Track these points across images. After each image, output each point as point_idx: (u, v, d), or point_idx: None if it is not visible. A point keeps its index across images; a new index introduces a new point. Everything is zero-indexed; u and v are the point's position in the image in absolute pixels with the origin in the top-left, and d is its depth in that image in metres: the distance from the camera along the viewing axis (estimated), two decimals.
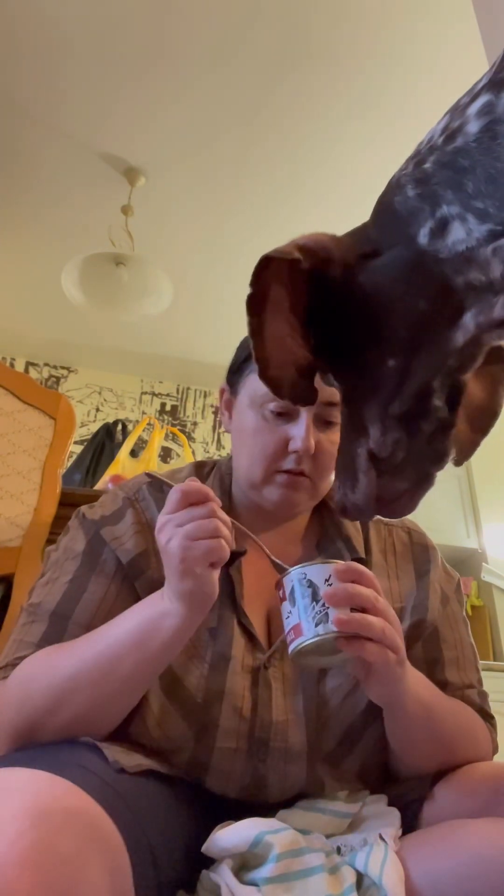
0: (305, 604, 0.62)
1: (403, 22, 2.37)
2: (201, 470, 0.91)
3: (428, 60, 2.48)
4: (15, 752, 0.65)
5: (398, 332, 0.53)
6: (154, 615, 0.66)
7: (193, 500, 0.65)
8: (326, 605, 0.61)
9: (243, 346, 0.88)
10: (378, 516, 0.60)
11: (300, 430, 0.78)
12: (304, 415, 0.79)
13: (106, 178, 3.07)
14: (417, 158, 0.49)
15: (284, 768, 0.71)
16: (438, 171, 0.47)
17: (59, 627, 0.72)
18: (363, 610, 0.62)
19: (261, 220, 3.21)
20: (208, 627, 0.75)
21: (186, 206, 3.22)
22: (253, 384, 0.83)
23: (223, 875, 0.57)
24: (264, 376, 0.56)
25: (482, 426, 0.67)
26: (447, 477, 4.21)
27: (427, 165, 0.48)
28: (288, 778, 0.71)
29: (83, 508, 0.84)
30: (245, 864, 0.59)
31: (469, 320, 0.49)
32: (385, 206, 0.53)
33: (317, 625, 0.61)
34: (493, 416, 0.66)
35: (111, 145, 2.93)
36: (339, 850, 0.62)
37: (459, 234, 0.46)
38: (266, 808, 0.71)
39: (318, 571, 0.64)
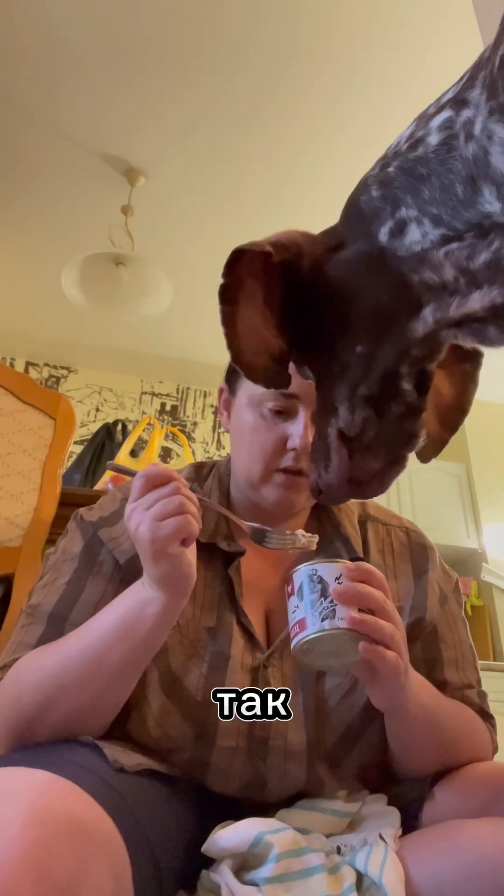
0: (313, 599, 0.63)
1: (403, 22, 2.37)
2: (200, 471, 0.91)
3: (426, 60, 2.47)
4: (14, 752, 0.66)
5: (363, 321, 0.56)
6: (136, 605, 0.66)
7: (157, 482, 0.65)
8: (335, 602, 0.62)
9: None
10: (353, 499, 0.63)
11: (298, 428, 0.79)
12: (302, 413, 0.80)
13: (106, 178, 3.07)
14: (384, 161, 0.53)
15: (284, 767, 0.71)
16: (400, 175, 0.51)
17: (57, 628, 0.73)
18: (371, 611, 0.62)
19: (261, 220, 3.21)
20: (207, 627, 0.75)
21: (186, 206, 3.22)
22: (251, 384, 0.83)
23: (223, 875, 0.57)
24: (238, 362, 0.59)
25: (451, 423, 0.69)
26: (447, 477, 4.21)
27: (391, 169, 0.51)
28: (288, 776, 0.71)
29: (81, 511, 0.85)
30: (245, 863, 0.59)
31: (428, 315, 0.52)
32: (352, 204, 0.56)
33: (322, 619, 0.61)
34: (462, 414, 0.69)
35: (111, 145, 2.93)
36: (339, 850, 0.62)
37: (416, 236, 0.50)
38: (266, 808, 0.71)
39: (328, 569, 0.64)
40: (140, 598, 0.66)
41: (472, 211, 0.46)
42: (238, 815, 0.63)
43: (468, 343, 0.53)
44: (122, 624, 0.66)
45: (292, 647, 0.63)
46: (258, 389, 0.82)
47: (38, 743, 0.65)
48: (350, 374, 0.57)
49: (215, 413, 4.53)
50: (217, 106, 2.72)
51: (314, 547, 0.73)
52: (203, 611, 0.76)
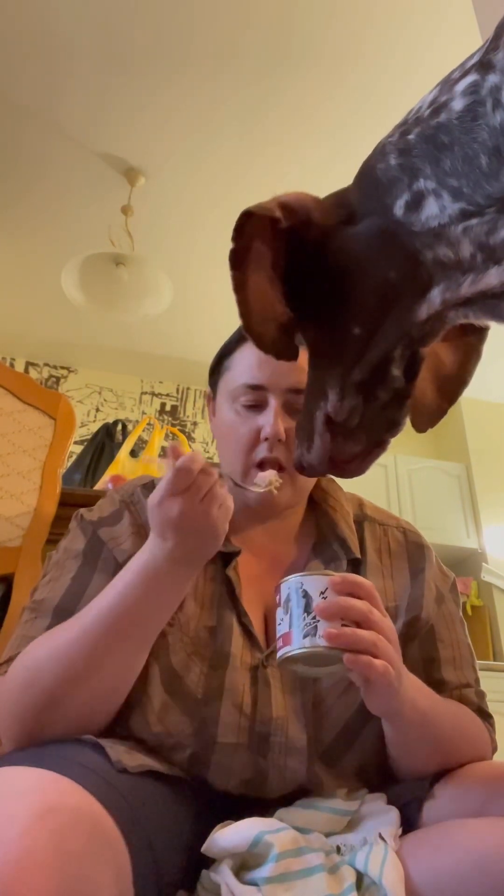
0: (298, 613, 0.62)
1: (402, 20, 2.37)
2: None
3: (426, 59, 2.47)
4: (18, 750, 0.66)
5: (366, 301, 0.54)
6: (147, 558, 0.68)
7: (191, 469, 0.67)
8: (317, 618, 0.61)
9: (222, 347, 0.91)
10: (332, 476, 0.64)
11: (268, 418, 0.80)
12: (273, 403, 0.81)
13: (106, 178, 3.07)
14: (404, 128, 0.50)
15: (285, 763, 0.71)
16: (420, 143, 0.48)
17: (63, 621, 0.73)
18: (357, 623, 0.62)
19: None
20: (207, 626, 0.75)
21: (186, 206, 3.22)
22: (227, 381, 0.87)
23: (223, 875, 0.57)
24: (249, 331, 0.58)
25: (450, 394, 0.68)
26: (447, 477, 4.21)
27: (411, 136, 0.49)
28: (288, 772, 0.72)
29: (82, 511, 0.85)
30: (245, 863, 0.59)
31: (436, 295, 0.50)
32: (368, 172, 0.53)
33: (304, 636, 0.61)
34: (461, 385, 0.68)
35: (111, 145, 2.93)
36: (338, 850, 0.62)
37: (433, 210, 0.47)
38: (265, 807, 0.71)
39: (314, 582, 0.64)
40: (150, 551, 0.68)
41: (496, 185, 0.43)
42: (238, 816, 0.63)
43: (479, 320, 0.52)
44: (141, 572, 0.68)
45: (277, 659, 0.64)
46: (232, 384, 0.84)
47: (47, 737, 0.65)
48: (345, 357, 0.56)
49: None
50: (217, 106, 2.72)
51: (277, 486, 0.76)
52: (203, 610, 0.77)
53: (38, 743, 0.65)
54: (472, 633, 0.88)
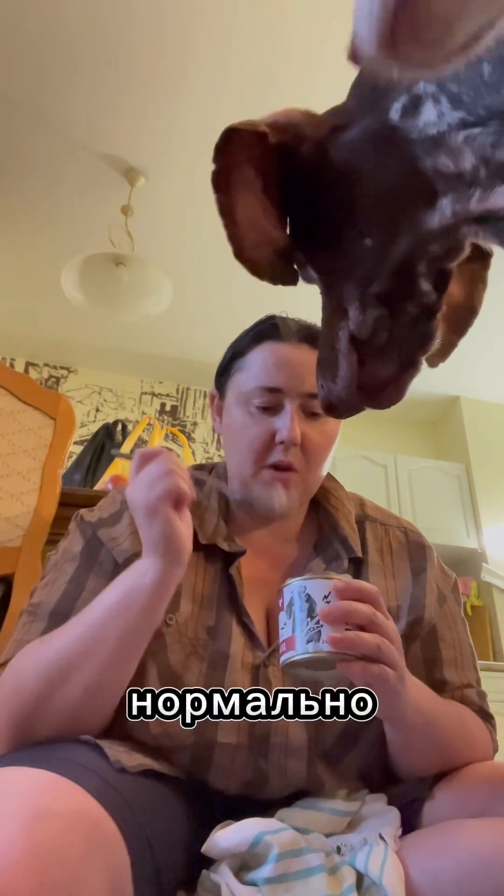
0: (301, 618, 0.62)
1: None
2: (199, 472, 0.92)
3: None
4: (15, 750, 0.66)
5: (371, 209, 0.51)
6: (133, 577, 0.68)
7: (149, 457, 0.70)
8: (321, 623, 0.61)
9: (229, 348, 0.90)
10: (367, 408, 0.58)
11: (285, 421, 0.79)
12: (289, 406, 0.80)
13: (106, 178, 3.07)
14: None
15: (285, 763, 0.71)
16: None
17: (59, 625, 0.73)
18: (361, 627, 0.62)
19: None
20: (207, 626, 0.75)
21: (186, 206, 3.22)
22: (239, 382, 0.85)
23: (223, 875, 0.57)
24: (240, 257, 0.55)
25: (460, 326, 0.64)
26: (447, 477, 4.21)
27: None
28: (289, 773, 0.71)
29: (82, 511, 0.85)
30: (245, 864, 0.58)
31: (446, 206, 0.47)
32: (364, 75, 0.50)
33: (308, 642, 0.61)
34: (471, 314, 0.64)
35: (111, 145, 2.93)
36: (338, 850, 0.62)
37: (431, 117, 0.44)
38: (265, 807, 0.71)
39: (317, 587, 0.63)
40: (138, 570, 0.68)
41: (496, 97, 0.39)
42: (238, 816, 0.63)
43: (490, 243, 0.49)
44: (120, 597, 0.67)
45: (280, 664, 0.63)
46: (245, 386, 0.83)
47: (38, 740, 0.65)
48: (360, 270, 0.52)
49: None
50: (217, 106, 2.72)
51: None
52: (203, 610, 0.77)
53: (22, 739, 0.65)
54: (472, 633, 0.88)
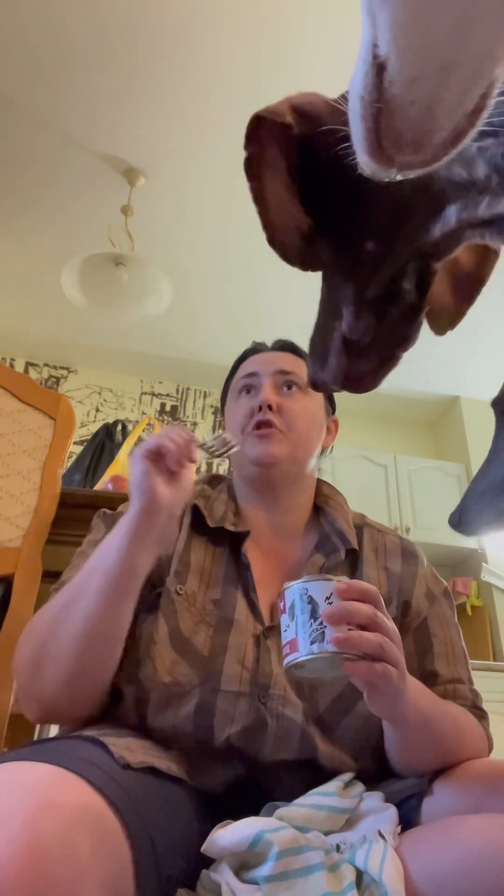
0: (304, 620, 0.62)
1: None
2: (213, 479, 1.02)
3: None
4: (23, 746, 0.66)
5: (380, 215, 0.51)
6: (116, 526, 0.77)
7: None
8: (324, 624, 0.61)
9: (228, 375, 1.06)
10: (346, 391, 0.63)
11: (259, 391, 0.96)
12: (265, 380, 0.96)
13: (106, 178, 3.07)
14: None
15: (283, 711, 0.75)
16: None
17: None
18: (362, 627, 0.62)
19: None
20: (213, 599, 0.83)
21: (186, 206, 3.22)
22: (232, 384, 1.02)
23: (223, 874, 0.57)
24: (272, 242, 0.56)
25: (469, 294, 0.66)
26: (447, 477, 4.21)
27: None
28: (285, 722, 0.75)
29: (104, 509, 0.95)
30: (245, 862, 0.59)
31: (451, 214, 0.48)
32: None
33: (312, 643, 0.61)
34: (479, 284, 0.65)
35: (111, 145, 2.93)
36: (338, 848, 0.62)
37: None
38: (263, 804, 0.71)
39: (319, 588, 0.64)
40: (121, 521, 0.77)
41: None
42: (238, 816, 0.63)
43: (495, 243, 0.49)
44: (104, 543, 0.77)
45: (284, 665, 0.64)
46: (235, 384, 1.00)
47: (50, 682, 0.72)
48: (359, 273, 0.53)
49: (215, 413, 4.53)
50: (217, 106, 2.73)
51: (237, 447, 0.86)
52: (210, 587, 0.84)
53: (39, 693, 0.73)
54: (472, 633, 0.89)
